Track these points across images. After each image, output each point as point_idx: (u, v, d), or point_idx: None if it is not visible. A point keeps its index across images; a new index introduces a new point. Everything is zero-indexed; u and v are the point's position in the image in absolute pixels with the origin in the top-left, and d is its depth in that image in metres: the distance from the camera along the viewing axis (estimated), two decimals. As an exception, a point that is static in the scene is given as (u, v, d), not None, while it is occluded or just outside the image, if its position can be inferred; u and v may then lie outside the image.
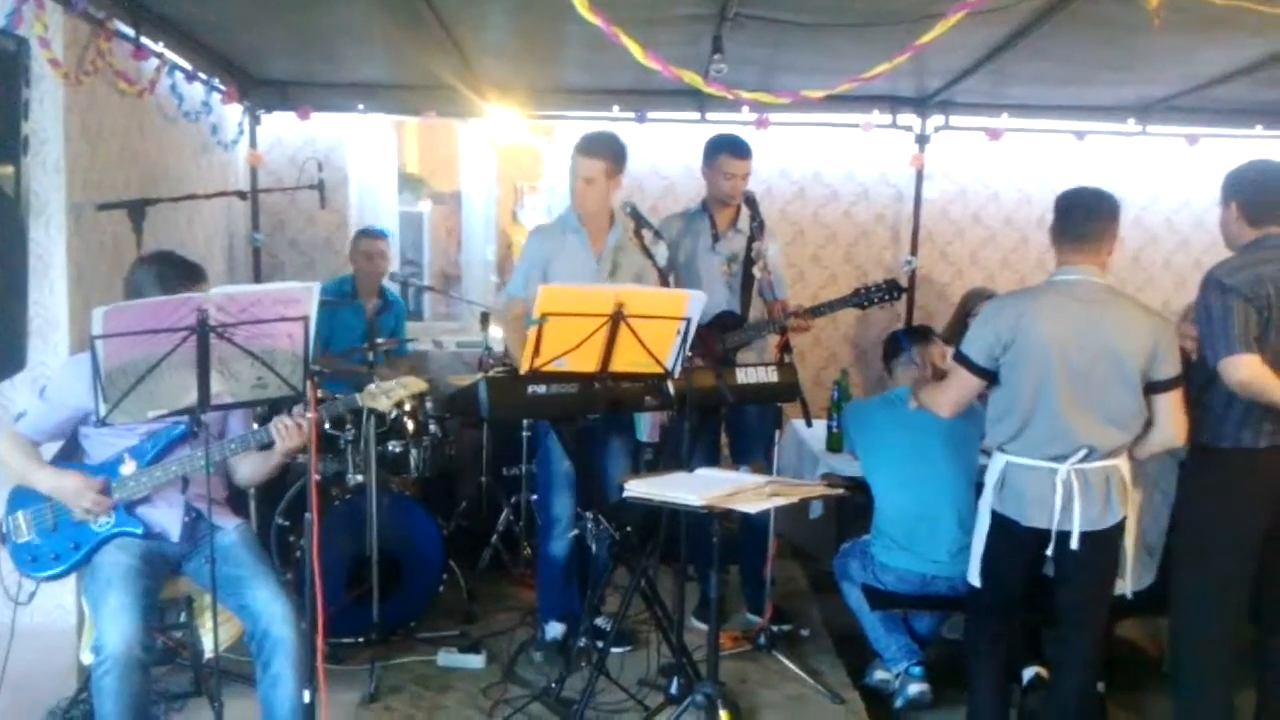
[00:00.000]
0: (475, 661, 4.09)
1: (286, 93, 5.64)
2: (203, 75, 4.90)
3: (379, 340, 4.79)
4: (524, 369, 3.34)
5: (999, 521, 3.30)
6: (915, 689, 3.90)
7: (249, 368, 2.78)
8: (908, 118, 5.79)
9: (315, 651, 2.85)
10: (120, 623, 2.87)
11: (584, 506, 3.78)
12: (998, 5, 3.34)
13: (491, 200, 6.80)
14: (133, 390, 2.66)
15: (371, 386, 3.31)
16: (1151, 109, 5.59)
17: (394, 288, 5.62)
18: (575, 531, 3.93)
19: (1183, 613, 3.40)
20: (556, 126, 6.24)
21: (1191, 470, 3.40)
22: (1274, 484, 3.23)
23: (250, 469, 3.34)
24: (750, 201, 4.32)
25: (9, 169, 3.46)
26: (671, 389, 3.68)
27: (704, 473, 3.52)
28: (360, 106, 5.72)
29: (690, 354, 3.51)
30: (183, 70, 4.64)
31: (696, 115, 5.65)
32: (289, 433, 3.06)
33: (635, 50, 2.90)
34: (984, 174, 6.18)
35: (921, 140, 5.85)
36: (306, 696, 2.90)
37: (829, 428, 4.65)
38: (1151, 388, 3.19)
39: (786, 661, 4.13)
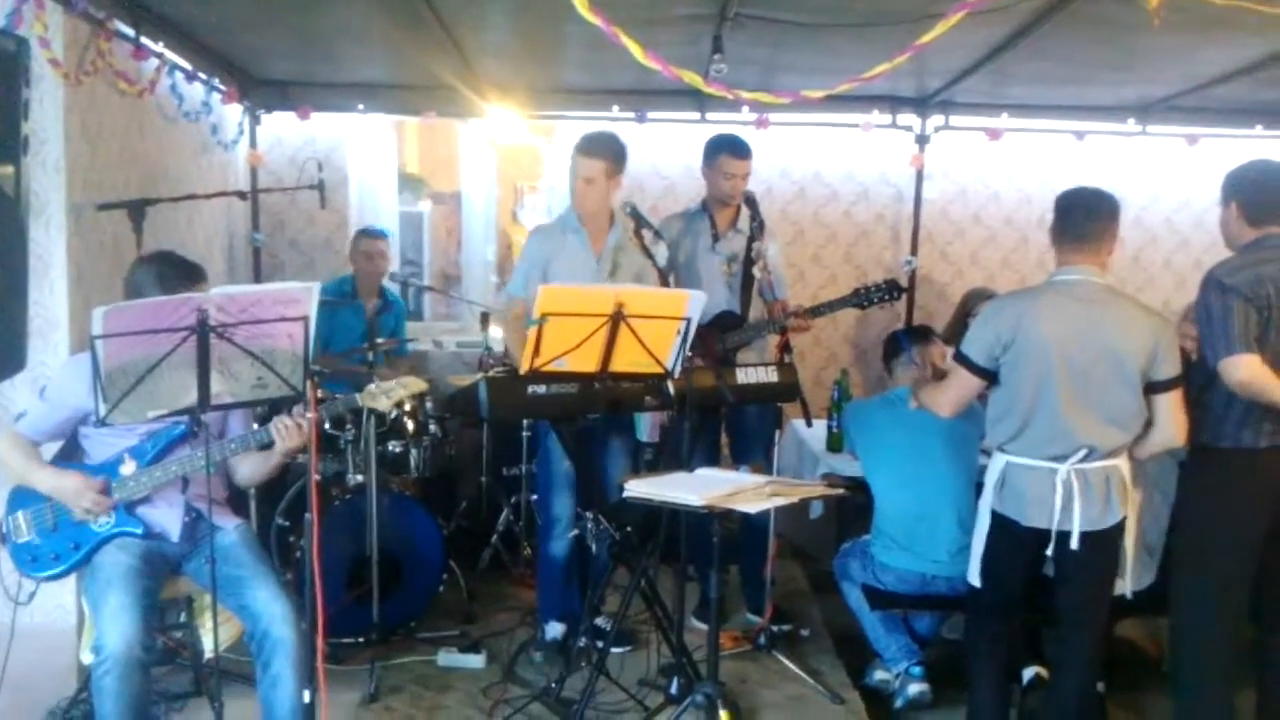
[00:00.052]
0: (475, 661, 4.09)
1: (286, 93, 5.64)
2: (203, 75, 4.91)
3: (379, 340, 4.79)
4: (524, 369, 3.34)
5: (999, 521, 3.30)
6: (915, 689, 3.90)
7: (249, 368, 2.78)
8: (908, 118, 5.79)
9: (315, 651, 2.85)
10: (120, 623, 2.87)
11: (584, 506, 3.78)
12: (998, 5, 3.34)
13: (491, 200, 6.80)
14: (133, 390, 2.66)
15: (371, 386, 3.31)
16: (1151, 109, 5.59)
17: (394, 288, 5.62)
18: (575, 531, 3.93)
19: (1183, 612, 3.40)
20: (556, 126, 6.24)
21: (1191, 470, 3.40)
22: (1274, 484, 3.23)
23: (250, 469, 3.34)
24: (750, 201, 4.32)
25: (9, 169, 3.46)
26: (671, 389, 3.67)
27: (704, 473, 3.52)
28: (360, 106, 5.72)
29: (690, 354, 3.51)
30: (183, 70, 4.64)
31: (696, 115, 5.65)
32: (289, 433, 3.06)
33: (635, 50, 2.90)
34: (984, 174, 6.18)
35: (921, 140, 5.85)
36: (306, 696, 2.90)
37: (829, 428, 4.65)
38: (1151, 388, 3.19)
39: (786, 661, 4.13)
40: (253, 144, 5.77)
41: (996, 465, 3.32)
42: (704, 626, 3.94)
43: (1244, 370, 3.07)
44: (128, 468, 3.10)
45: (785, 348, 4.27)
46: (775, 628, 4.36)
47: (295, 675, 2.98)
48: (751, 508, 3.08)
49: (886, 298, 4.48)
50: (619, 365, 3.42)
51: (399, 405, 3.66)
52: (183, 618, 3.41)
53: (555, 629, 4.19)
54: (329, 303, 4.80)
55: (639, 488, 3.21)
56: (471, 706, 3.79)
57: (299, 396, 2.90)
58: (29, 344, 3.63)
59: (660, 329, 3.38)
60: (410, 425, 4.56)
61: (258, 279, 5.87)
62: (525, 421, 5.09)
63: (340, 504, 4.25)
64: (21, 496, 3.14)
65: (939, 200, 6.15)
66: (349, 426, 4.41)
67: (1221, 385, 3.14)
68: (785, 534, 5.08)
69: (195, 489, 3.13)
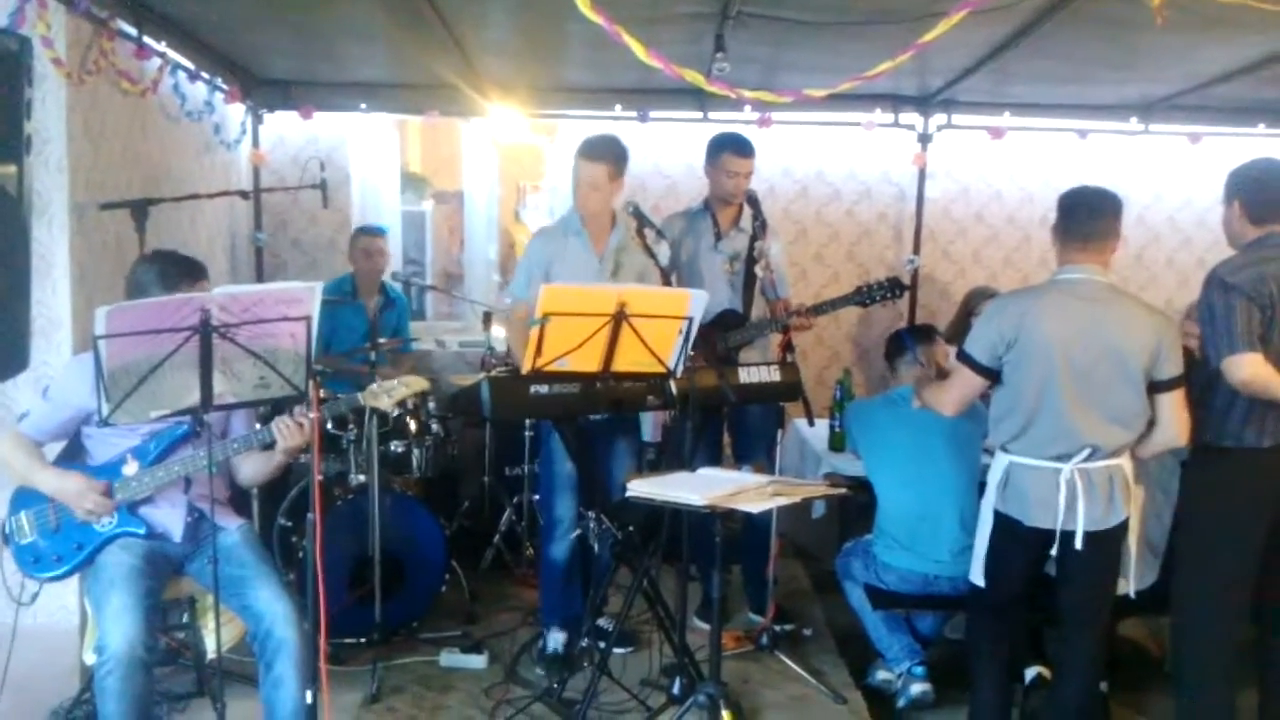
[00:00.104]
0: (477, 662, 4.09)
1: (289, 92, 5.65)
2: (205, 75, 4.91)
3: (382, 340, 4.79)
4: (526, 369, 3.34)
5: (1001, 521, 3.30)
6: (918, 689, 3.89)
7: (251, 367, 2.78)
8: (910, 116, 5.79)
9: (318, 652, 2.84)
10: (123, 623, 2.87)
11: (586, 506, 3.78)
12: (1000, 4, 3.34)
13: (494, 199, 6.81)
14: (135, 390, 2.66)
15: (373, 385, 3.31)
16: (1154, 107, 5.58)
17: (396, 286, 5.62)
18: (578, 532, 3.93)
19: (1185, 612, 3.40)
20: (559, 125, 6.25)
21: (1194, 470, 3.39)
22: (1277, 484, 3.22)
23: (253, 469, 3.34)
24: (752, 200, 4.32)
25: (12, 168, 3.47)
26: (674, 388, 3.67)
27: (706, 472, 3.51)
28: (363, 106, 5.72)
29: (692, 353, 3.51)
30: (185, 70, 4.65)
31: (699, 114, 5.65)
32: (290, 432, 3.06)
33: (637, 49, 2.90)
34: (986, 173, 6.18)
35: (924, 139, 5.84)
36: (309, 697, 2.90)
37: (831, 427, 4.65)
38: (1154, 387, 3.19)
39: (789, 661, 4.13)
40: (255, 143, 5.78)
41: (999, 465, 3.31)
42: (706, 626, 3.93)
43: (1247, 369, 3.07)
44: (130, 468, 3.09)
45: (788, 347, 4.27)
46: (777, 627, 4.36)
47: (298, 676, 2.98)
48: (754, 507, 3.07)
49: (889, 296, 4.47)
50: (621, 365, 3.42)
51: (401, 404, 3.66)
52: (185, 618, 3.41)
53: (556, 639, 4.15)
54: (330, 302, 4.79)
55: (641, 487, 3.21)
56: (473, 707, 3.79)
57: (301, 396, 2.90)
58: (32, 344, 3.64)
59: (662, 328, 3.38)
60: (413, 425, 4.56)
61: (260, 279, 5.87)
62: (528, 421, 5.09)
63: (342, 504, 4.25)
64: (24, 497, 3.14)
65: (941, 199, 6.14)
66: (351, 426, 4.41)
67: (1224, 384, 3.14)
68: (787, 534, 5.08)
69: (198, 489, 3.13)
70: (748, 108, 5.40)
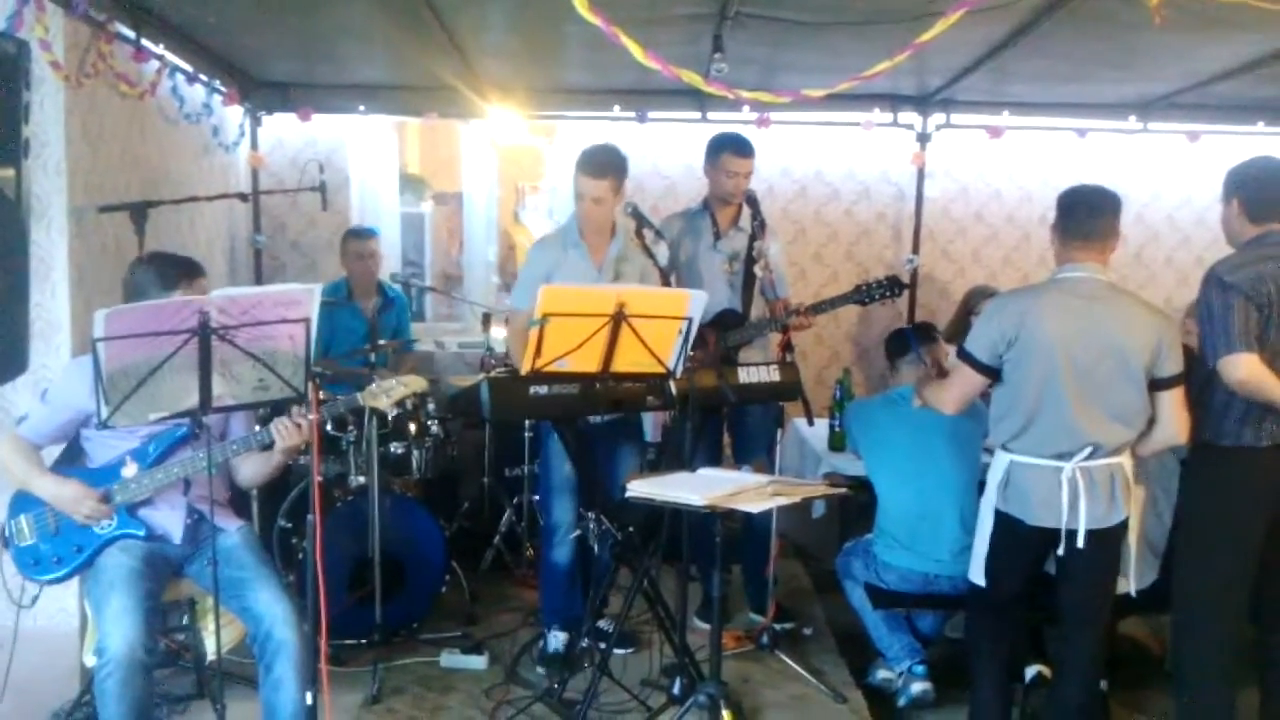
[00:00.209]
0: (478, 662, 4.09)
1: (288, 94, 5.65)
2: (204, 77, 4.91)
3: (382, 341, 4.79)
4: (525, 369, 3.34)
5: (1003, 521, 3.30)
6: (918, 688, 3.89)
7: (250, 370, 2.78)
8: (909, 116, 5.79)
9: (318, 653, 2.85)
10: (123, 625, 2.87)
11: (586, 507, 3.78)
12: (998, 3, 3.34)
13: (493, 201, 6.81)
14: (134, 393, 2.66)
15: (372, 386, 3.31)
16: (1153, 106, 5.58)
17: (395, 287, 5.61)
18: (578, 532, 3.93)
19: (1184, 610, 3.39)
20: (557, 126, 6.25)
21: (1193, 468, 3.39)
22: (1276, 483, 3.22)
23: (252, 470, 3.34)
24: (751, 200, 4.32)
25: (10, 172, 3.46)
26: (673, 388, 3.67)
27: (706, 472, 3.51)
28: (361, 108, 5.72)
29: (692, 353, 3.51)
30: (184, 72, 4.64)
31: (697, 115, 5.65)
32: (290, 433, 3.06)
33: (635, 50, 2.90)
34: (985, 172, 6.18)
35: (923, 138, 5.85)
36: (309, 698, 2.90)
37: (831, 427, 4.65)
38: (1155, 385, 3.19)
39: (789, 661, 4.13)
40: (254, 146, 5.78)
41: (1000, 464, 3.31)
42: (706, 626, 3.93)
43: (1243, 369, 3.07)
44: (129, 470, 3.09)
45: (787, 346, 4.27)
46: (778, 627, 4.36)
47: (298, 677, 2.98)
48: (754, 507, 3.07)
49: (888, 294, 4.47)
50: (621, 365, 3.42)
51: (400, 404, 3.66)
52: (185, 620, 3.42)
53: (557, 640, 4.15)
54: (327, 304, 4.79)
55: (641, 488, 3.21)
56: (474, 708, 3.79)
57: (300, 398, 2.90)
58: (30, 347, 3.64)
59: (662, 329, 3.38)
60: (412, 426, 4.56)
61: (259, 281, 5.87)
62: (527, 422, 5.09)
63: (342, 505, 4.25)
64: (24, 500, 3.14)
65: (940, 198, 6.14)
66: (351, 428, 4.41)
67: (1222, 383, 3.14)
68: (787, 533, 5.08)
69: (197, 491, 3.13)
70: (746, 108, 5.40)
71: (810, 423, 4.41)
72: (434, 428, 4.69)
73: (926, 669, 3.93)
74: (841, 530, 4.56)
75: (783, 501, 3.17)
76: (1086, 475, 3.17)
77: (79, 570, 3.12)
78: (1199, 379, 3.23)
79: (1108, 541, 3.24)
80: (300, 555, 4.16)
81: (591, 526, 3.65)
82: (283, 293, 2.80)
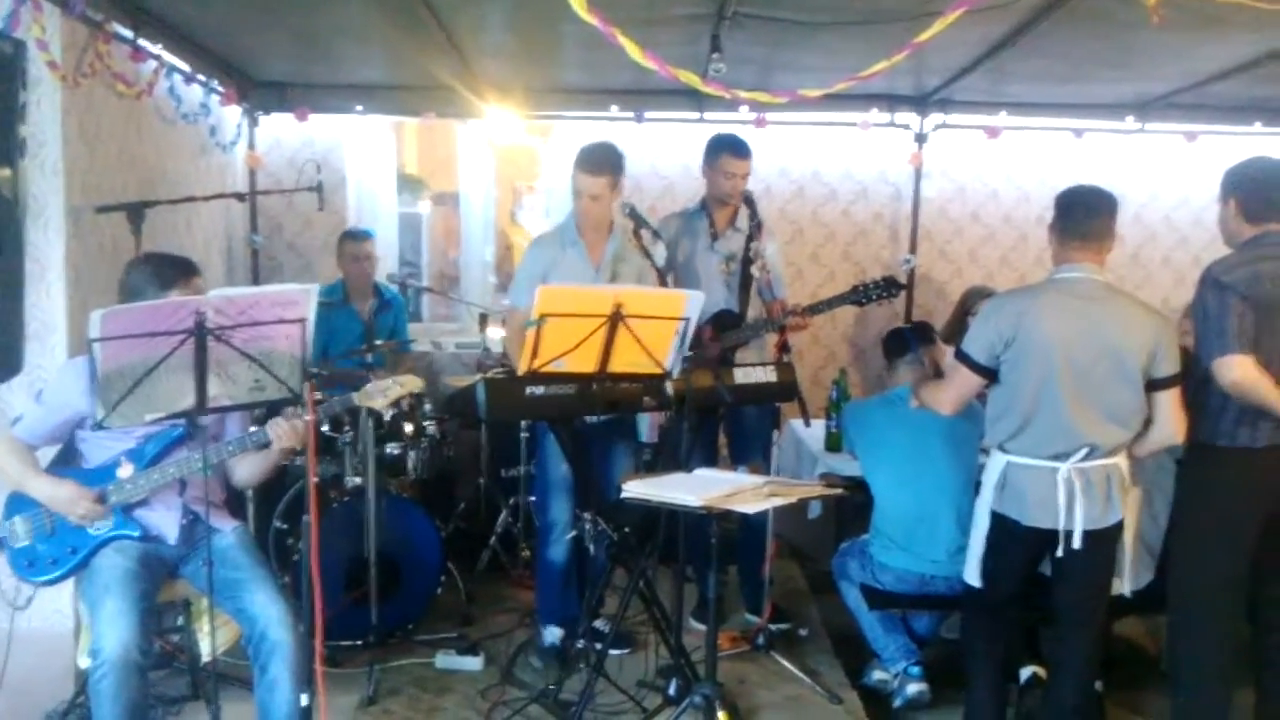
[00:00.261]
0: (473, 663, 4.09)
1: (285, 94, 5.64)
2: (201, 77, 4.91)
3: (378, 342, 4.78)
4: (522, 370, 3.34)
5: (999, 522, 3.30)
6: (914, 689, 3.90)
7: (247, 370, 2.78)
8: (906, 116, 5.79)
9: (313, 655, 2.84)
10: (118, 626, 2.87)
11: (582, 508, 3.77)
12: (996, 3, 3.34)
13: (490, 201, 6.79)
14: (130, 393, 2.65)
15: (368, 386, 3.31)
16: (1150, 106, 5.59)
17: (392, 288, 5.61)
18: (574, 533, 3.92)
19: (1180, 611, 3.40)
20: (554, 127, 6.24)
21: (1189, 468, 3.39)
22: (1272, 483, 3.22)
23: (248, 470, 3.33)
24: (749, 201, 4.32)
25: (6, 172, 3.46)
26: (670, 389, 3.67)
27: (702, 473, 3.51)
28: (359, 108, 5.72)
29: (689, 354, 3.51)
30: (181, 72, 4.64)
31: (695, 115, 5.65)
32: (286, 435, 3.06)
33: (633, 50, 2.89)
34: (983, 172, 6.17)
35: (920, 138, 5.85)
36: (304, 700, 2.90)
37: (827, 427, 4.64)
38: (1152, 385, 3.19)
39: (785, 662, 4.13)
40: (251, 146, 5.77)
41: (996, 465, 3.31)
42: (702, 627, 3.93)
43: (1237, 370, 3.07)
44: (125, 470, 3.09)
45: (784, 347, 4.27)
46: (773, 628, 4.36)
47: (293, 678, 2.98)
48: (750, 508, 3.07)
49: (884, 295, 4.47)
50: (617, 366, 3.42)
51: (396, 404, 3.65)
52: (180, 621, 3.41)
53: (553, 634, 4.17)
54: (324, 305, 4.77)
55: (637, 488, 3.21)
56: (470, 709, 3.79)
57: (297, 399, 2.89)
58: (26, 347, 3.63)
59: (659, 329, 3.38)
60: (408, 427, 4.55)
61: (256, 281, 5.86)
62: (524, 423, 5.09)
63: (338, 506, 4.25)
64: (18, 501, 3.13)
65: (937, 198, 6.14)
66: (347, 428, 4.41)
67: (1217, 384, 3.14)
68: (783, 534, 5.07)
69: (192, 491, 3.12)
70: (744, 108, 5.40)
71: (807, 423, 4.40)
72: (430, 428, 4.68)
73: (922, 670, 3.93)
74: (837, 531, 4.56)
75: (779, 502, 3.17)
76: (1083, 476, 3.17)
77: (74, 571, 3.12)
78: (1195, 380, 3.23)
79: (1103, 542, 3.25)
80: (296, 556, 4.15)
81: (588, 527, 3.65)
82: (279, 293, 2.80)
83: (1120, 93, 5.41)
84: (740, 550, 4.49)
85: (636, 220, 3.87)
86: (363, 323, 5.02)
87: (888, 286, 4.47)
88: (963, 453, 3.90)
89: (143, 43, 4.13)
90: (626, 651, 4.13)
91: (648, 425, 4.49)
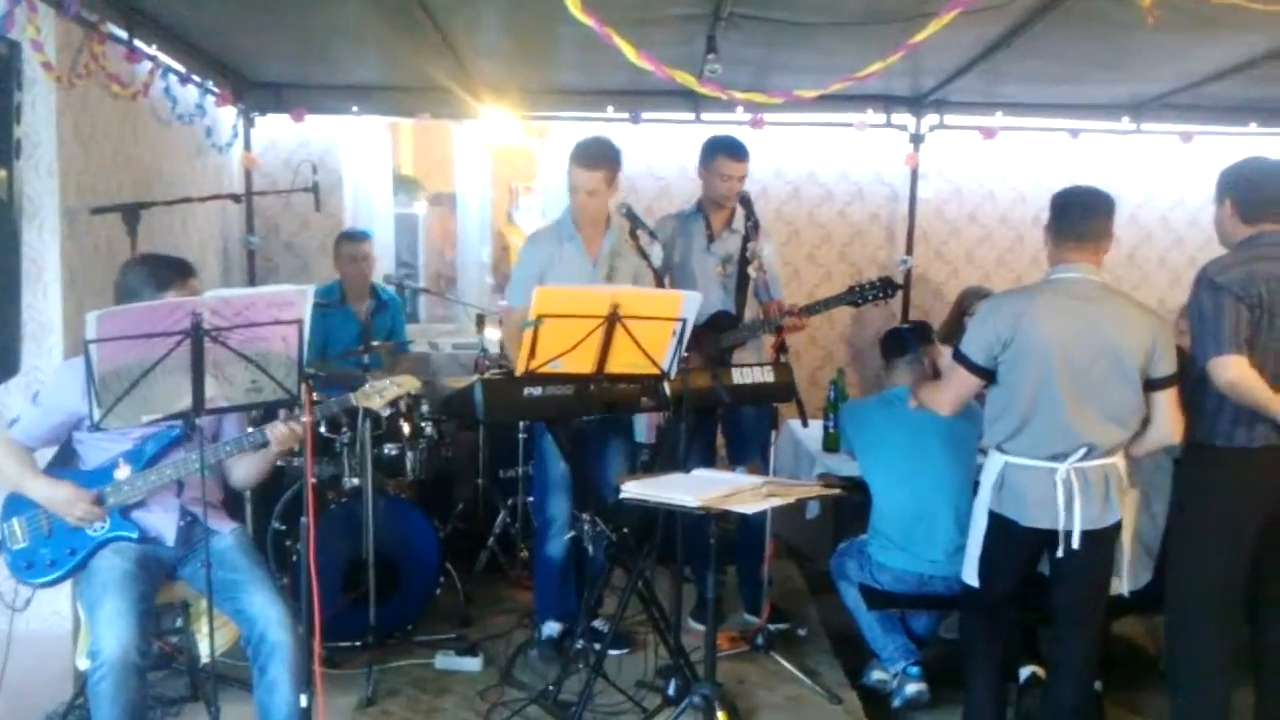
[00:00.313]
0: (472, 664, 4.08)
1: (281, 95, 5.64)
2: (196, 78, 4.90)
3: (375, 343, 4.78)
4: (519, 370, 3.34)
5: (997, 522, 3.30)
6: (913, 688, 3.89)
7: (243, 371, 2.77)
8: (902, 117, 5.80)
9: (312, 656, 2.84)
10: (116, 628, 2.86)
11: (580, 508, 3.77)
12: (991, 4, 3.34)
13: (486, 201, 6.80)
14: (127, 395, 2.65)
15: (365, 386, 3.30)
16: (1146, 107, 5.60)
17: (389, 289, 5.61)
18: (572, 534, 3.92)
19: (1178, 610, 3.40)
20: (551, 127, 6.24)
21: (1186, 468, 3.39)
22: (1269, 483, 3.23)
23: (246, 470, 3.33)
24: (745, 201, 4.32)
25: (1, 173, 3.46)
26: (668, 390, 3.67)
27: (700, 474, 3.51)
28: (355, 109, 5.72)
29: (686, 355, 3.51)
30: (176, 73, 4.64)
31: (691, 116, 5.65)
32: (285, 438, 3.05)
33: (628, 51, 2.90)
34: (979, 173, 6.18)
35: (916, 139, 5.86)
36: (303, 701, 2.89)
37: (825, 428, 4.64)
38: (1149, 385, 3.20)
39: (784, 662, 4.13)
40: (247, 147, 5.77)
41: (994, 465, 3.31)
42: (701, 627, 3.93)
43: (1233, 371, 3.07)
44: (122, 472, 3.09)
45: (781, 347, 4.27)
46: (772, 628, 4.36)
47: (292, 679, 2.97)
48: (748, 508, 3.07)
49: (881, 295, 4.47)
50: (615, 366, 3.42)
51: (393, 404, 3.65)
52: (179, 622, 3.39)
53: (552, 628, 4.19)
54: (321, 306, 4.77)
55: (635, 489, 3.21)
56: (469, 709, 3.78)
57: (294, 400, 2.89)
58: (22, 348, 3.62)
59: (656, 330, 3.38)
60: (406, 428, 4.54)
61: (252, 282, 5.85)
62: (521, 424, 5.09)
63: (336, 507, 4.24)
64: (16, 503, 3.13)
65: (934, 199, 6.15)
66: (344, 429, 4.40)
67: (1212, 384, 3.14)
68: (782, 534, 5.08)
69: (190, 493, 3.12)
70: (740, 109, 5.40)
71: (804, 424, 4.41)
72: (428, 429, 4.68)
73: (921, 670, 3.93)
74: (836, 531, 4.56)
75: (777, 502, 3.17)
76: (1081, 476, 3.17)
77: (72, 573, 3.11)
78: (1191, 380, 3.24)
79: (1102, 542, 3.25)
80: (294, 557, 4.15)
81: (586, 528, 3.65)
82: (276, 294, 2.79)
83: (1116, 93, 5.42)
84: (739, 550, 4.49)
85: (633, 221, 3.87)
86: (360, 324, 5.01)
87: (884, 287, 4.47)
88: (961, 453, 3.90)
89: (138, 43, 4.12)
90: (625, 652, 4.13)
91: (645, 426, 4.50)
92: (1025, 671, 3.85)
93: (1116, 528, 3.26)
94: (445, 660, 4.09)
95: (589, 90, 5.55)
